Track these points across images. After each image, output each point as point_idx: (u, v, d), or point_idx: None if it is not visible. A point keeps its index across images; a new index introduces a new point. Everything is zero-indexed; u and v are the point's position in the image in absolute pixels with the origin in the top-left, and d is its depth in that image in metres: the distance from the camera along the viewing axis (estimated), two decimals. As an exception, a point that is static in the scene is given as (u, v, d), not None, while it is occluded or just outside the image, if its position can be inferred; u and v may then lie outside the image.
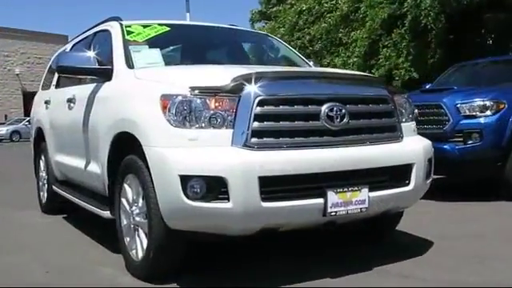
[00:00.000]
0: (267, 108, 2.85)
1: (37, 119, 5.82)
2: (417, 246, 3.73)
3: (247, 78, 2.89)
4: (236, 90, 2.83)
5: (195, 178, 2.72)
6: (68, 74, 3.99)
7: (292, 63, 4.56)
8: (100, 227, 4.27)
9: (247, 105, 2.81)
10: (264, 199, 2.74)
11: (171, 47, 4.43)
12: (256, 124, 2.81)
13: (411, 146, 3.31)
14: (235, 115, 2.80)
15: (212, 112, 2.81)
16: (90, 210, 3.94)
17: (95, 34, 4.63)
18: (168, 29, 4.18)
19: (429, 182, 3.44)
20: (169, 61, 3.94)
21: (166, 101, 2.87)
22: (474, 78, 7.09)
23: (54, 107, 5.10)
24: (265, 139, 2.82)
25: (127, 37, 3.96)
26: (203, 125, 2.81)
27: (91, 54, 3.96)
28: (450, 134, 5.46)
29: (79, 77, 4.10)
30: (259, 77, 2.93)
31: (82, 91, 4.21)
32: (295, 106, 2.93)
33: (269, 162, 2.76)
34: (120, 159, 3.35)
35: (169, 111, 2.85)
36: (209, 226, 2.86)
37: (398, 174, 3.20)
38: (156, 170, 2.85)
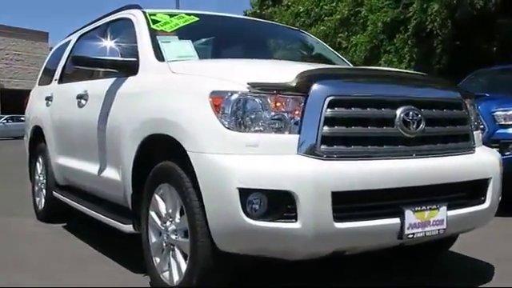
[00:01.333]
0: (339, 110, 2.42)
1: (34, 117, 5.28)
2: (477, 271, 3.35)
3: (314, 75, 2.47)
4: (303, 88, 2.39)
5: (257, 192, 2.27)
6: (84, 66, 3.48)
7: (330, 62, 4.13)
8: (104, 237, 3.89)
9: (316, 106, 2.37)
10: (336, 218, 2.30)
11: (202, 39, 3.96)
12: (326, 129, 2.37)
13: (485, 158, 2.93)
14: (301, 118, 2.37)
15: (274, 113, 2.37)
16: (106, 222, 3.45)
17: (109, 23, 4.13)
18: (197, 19, 3.71)
19: (500, 198, 3.05)
20: (201, 54, 3.48)
21: (219, 98, 2.42)
22: (496, 84, 6.78)
23: (59, 104, 4.57)
24: (335, 147, 2.39)
25: (153, 26, 3.49)
26: (263, 128, 2.37)
27: (111, 44, 3.47)
28: (486, 144, 5.07)
29: (98, 69, 3.59)
30: (328, 74, 2.53)
31: (96, 86, 3.73)
32: (368, 109, 2.51)
33: (343, 175, 2.33)
34: (149, 165, 2.89)
35: (223, 111, 2.40)
36: (270, 250, 2.40)
37: (474, 190, 2.81)
38: (207, 181, 2.39)
